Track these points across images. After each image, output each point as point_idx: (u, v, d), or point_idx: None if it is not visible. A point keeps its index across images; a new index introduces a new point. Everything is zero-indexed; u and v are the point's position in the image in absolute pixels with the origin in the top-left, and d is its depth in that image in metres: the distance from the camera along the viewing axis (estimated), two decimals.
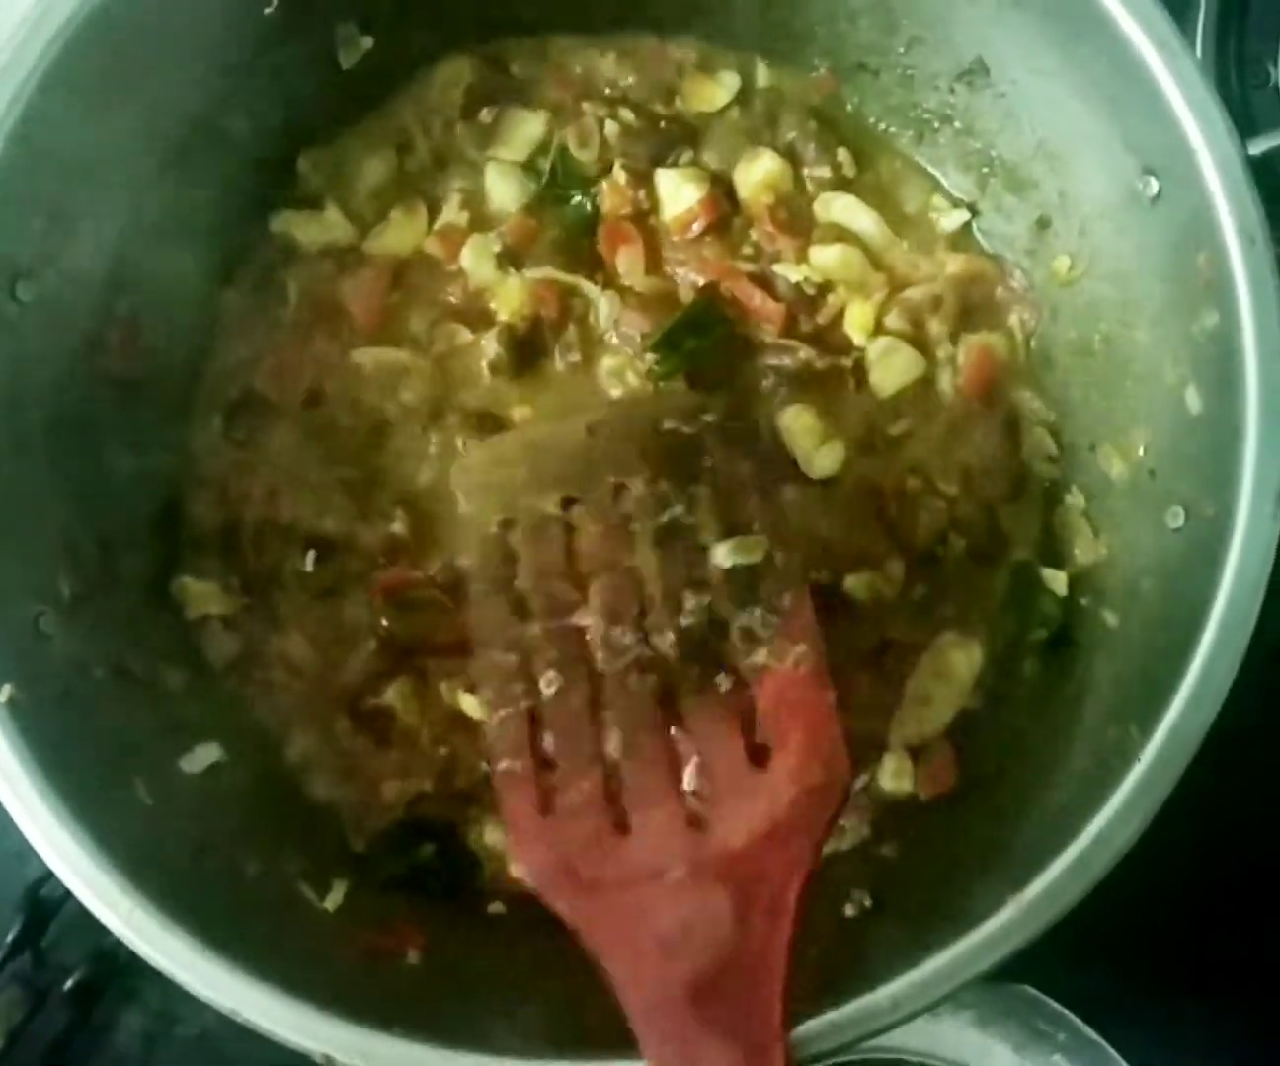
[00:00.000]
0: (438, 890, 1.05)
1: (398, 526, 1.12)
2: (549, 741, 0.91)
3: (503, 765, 0.91)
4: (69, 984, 1.18)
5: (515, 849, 0.90)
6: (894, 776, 1.09)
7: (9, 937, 1.17)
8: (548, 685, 0.92)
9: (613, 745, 0.90)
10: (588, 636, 0.93)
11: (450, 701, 1.09)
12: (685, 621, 0.93)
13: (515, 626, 0.95)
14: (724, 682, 0.91)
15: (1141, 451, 1.05)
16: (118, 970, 1.19)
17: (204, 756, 1.03)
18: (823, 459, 1.14)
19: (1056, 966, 1.06)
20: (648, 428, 1.01)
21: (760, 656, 0.92)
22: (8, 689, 0.89)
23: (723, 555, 0.95)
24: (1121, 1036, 1.09)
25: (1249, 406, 0.92)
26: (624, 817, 0.88)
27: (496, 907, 1.06)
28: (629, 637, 0.92)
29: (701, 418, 1.01)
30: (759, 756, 0.89)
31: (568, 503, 0.99)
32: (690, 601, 0.93)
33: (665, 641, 0.92)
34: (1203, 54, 1.31)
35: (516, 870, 0.90)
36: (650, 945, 0.83)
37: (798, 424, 1.14)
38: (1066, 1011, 1.10)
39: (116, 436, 1.08)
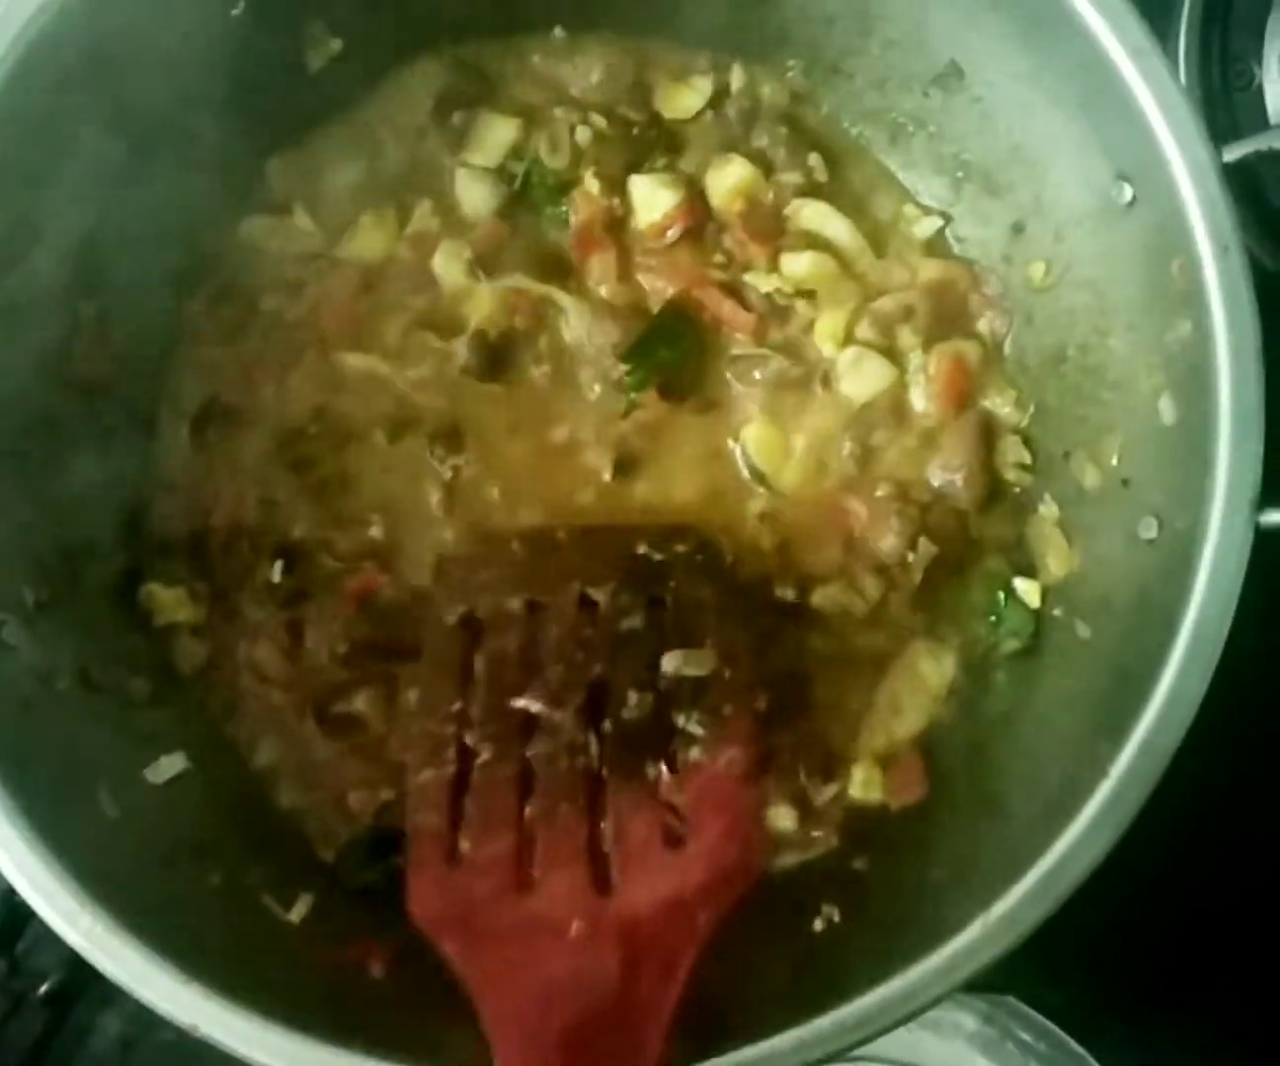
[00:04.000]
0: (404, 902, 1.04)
1: (375, 531, 1.11)
2: (469, 804, 0.93)
3: (418, 816, 0.93)
4: (44, 988, 1.17)
5: (412, 889, 0.90)
6: (863, 786, 1.08)
7: None
8: (479, 756, 0.95)
9: (531, 813, 0.92)
10: (528, 716, 0.96)
11: None
12: (627, 715, 0.96)
13: (456, 702, 0.97)
14: (654, 773, 0.94)
15: (1115, 460, 1.04)
16: (94, 974, 1.17)
17: (169, 766, 1.02)
18: (790, 472, 1.13)
19: (1038, 978, 1.06)
20: (621, 548, 1.04)
21: (694, 753, 0.94)
22: None
23: (671, 663, 0.98)
24: (1102, 1047, 1.09)
25: (1221, 417, 0.91)
26: (530, 878, 0.90)
27: None
28: (569, 722, 0.95)
29: (674, 548, 1.04)
30: (675, 843, 0.91)
31: (533, 604, 1.01)
32: (634, 699, 0.96)
33: (604, 728, 0.95)
34: (1186, 53, 1.28)
35: (412, 906, 0.89)
36: (533, 992, 0.83)
37: (764, 437, 1.13)
38: (1048, 1022, 1.10)
39: (82, 442, 1.07)
